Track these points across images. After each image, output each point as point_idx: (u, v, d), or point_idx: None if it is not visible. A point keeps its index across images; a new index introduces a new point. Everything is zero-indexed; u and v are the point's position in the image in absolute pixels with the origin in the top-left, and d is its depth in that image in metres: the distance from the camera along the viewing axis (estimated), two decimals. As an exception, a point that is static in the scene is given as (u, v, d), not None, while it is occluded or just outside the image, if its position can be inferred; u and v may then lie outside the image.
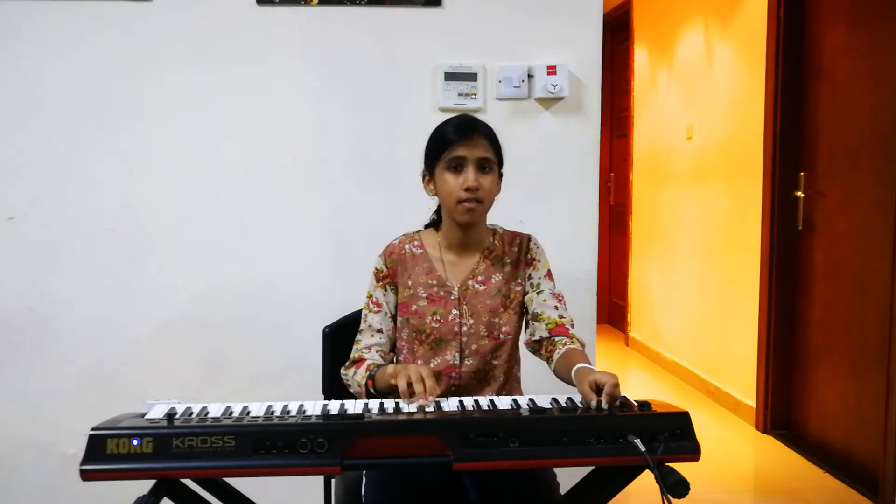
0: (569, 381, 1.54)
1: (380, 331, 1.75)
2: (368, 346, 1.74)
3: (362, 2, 2.41)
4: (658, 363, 4.98)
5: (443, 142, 1.68)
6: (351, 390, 1.72)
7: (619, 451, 1.26)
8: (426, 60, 2.43)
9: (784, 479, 3.19)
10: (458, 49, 2.43)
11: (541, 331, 1.70)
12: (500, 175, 1.75)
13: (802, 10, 3.44)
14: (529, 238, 1.80)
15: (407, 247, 1.78)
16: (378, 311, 1.76)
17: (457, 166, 1.66)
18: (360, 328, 1.77)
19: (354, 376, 1.70)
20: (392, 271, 1.76)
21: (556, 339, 1.68)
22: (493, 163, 1.69)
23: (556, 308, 1.72)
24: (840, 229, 3.21)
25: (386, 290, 1.76)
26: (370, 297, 1.78)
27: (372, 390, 1.63)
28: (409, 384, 1.45)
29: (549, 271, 1.78)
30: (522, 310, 1.77)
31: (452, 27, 2.43)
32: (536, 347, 1.72)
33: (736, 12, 3.91)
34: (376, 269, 1.78)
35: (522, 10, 2.43)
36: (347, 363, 1.75)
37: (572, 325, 1.72)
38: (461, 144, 1.65)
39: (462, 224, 1.71)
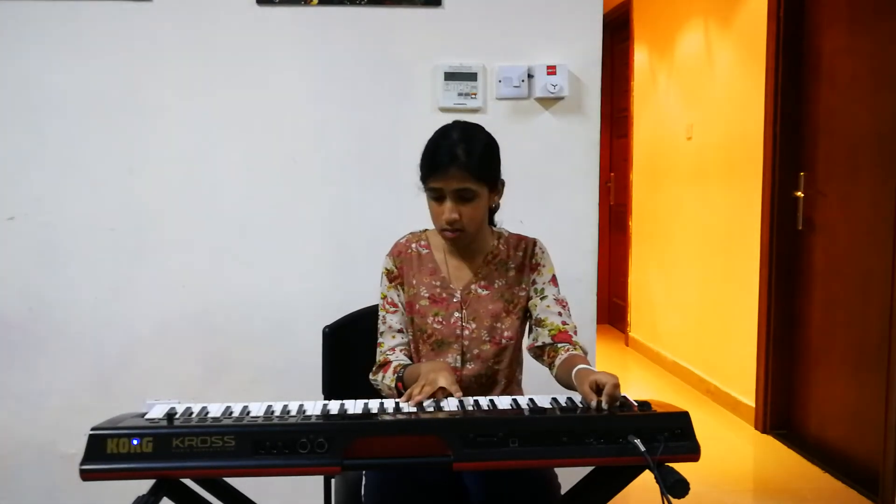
0: (570, 387, 1.54)
1: (400, 331, 1.76)
2: (392, 347, 1.75)
3: (362, 2, 2.41)
4: (658, 363, 4.98)
5: (425, 168, 1.65)
6: (382, 394, 1.72)
7: (619, 451, 1.26)
8: (426, 60, 2.43)
9: (784, 478, 3.19)
10: (458, 49, 2.43)
11: (543, 337, 1.70)
12: (499, 185, 1.72)
13: (802, 10, 3.44)
14: (535, 242, 1.78)
15: (413, 246, 1.78)
16: (395, 311, 1.76)
17: (437, 197, 1.65)
18: (380, 331, 1.77)
19: (384, 380, 1.70)
20: (401, 271, 1.76)
21: (559, 345, 1.68)
22: (473, 192, 1.63)
23: (560, 314, 1.72)
24: (840, 229, 3.21)
25: (399, 290, 1.76)
26: (384, 297, 1.78)
27: (403, 391, 1.62)
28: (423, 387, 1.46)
29: (553, 276, 1.77)
30: (526, 314, 1.76)
31: (452, 27, 2.43)
32: (539, 353, 1.72)
33: (736, 12, 3.91)
34: (386, 269, 1.78)
35: (522, 10, 2.43)
36: (374, 368, 1.76)
37: (575, 332, 1.71)
38: (438, 177, 1.62)
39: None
